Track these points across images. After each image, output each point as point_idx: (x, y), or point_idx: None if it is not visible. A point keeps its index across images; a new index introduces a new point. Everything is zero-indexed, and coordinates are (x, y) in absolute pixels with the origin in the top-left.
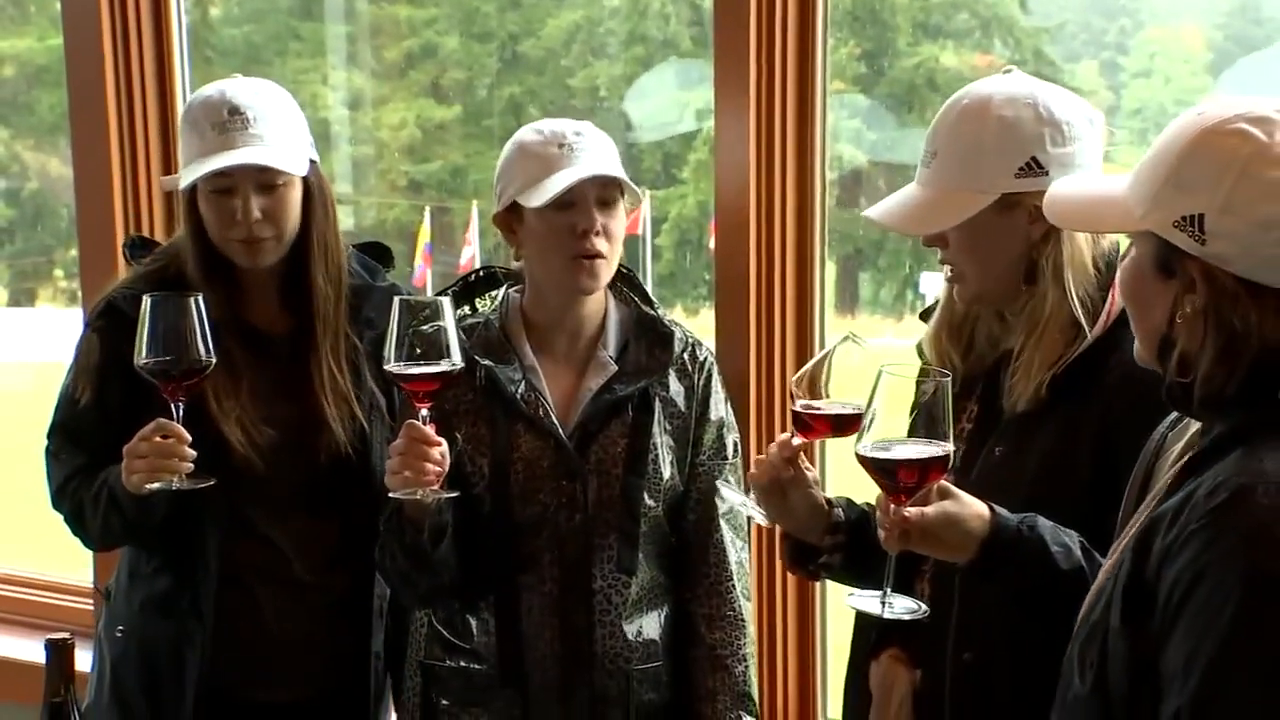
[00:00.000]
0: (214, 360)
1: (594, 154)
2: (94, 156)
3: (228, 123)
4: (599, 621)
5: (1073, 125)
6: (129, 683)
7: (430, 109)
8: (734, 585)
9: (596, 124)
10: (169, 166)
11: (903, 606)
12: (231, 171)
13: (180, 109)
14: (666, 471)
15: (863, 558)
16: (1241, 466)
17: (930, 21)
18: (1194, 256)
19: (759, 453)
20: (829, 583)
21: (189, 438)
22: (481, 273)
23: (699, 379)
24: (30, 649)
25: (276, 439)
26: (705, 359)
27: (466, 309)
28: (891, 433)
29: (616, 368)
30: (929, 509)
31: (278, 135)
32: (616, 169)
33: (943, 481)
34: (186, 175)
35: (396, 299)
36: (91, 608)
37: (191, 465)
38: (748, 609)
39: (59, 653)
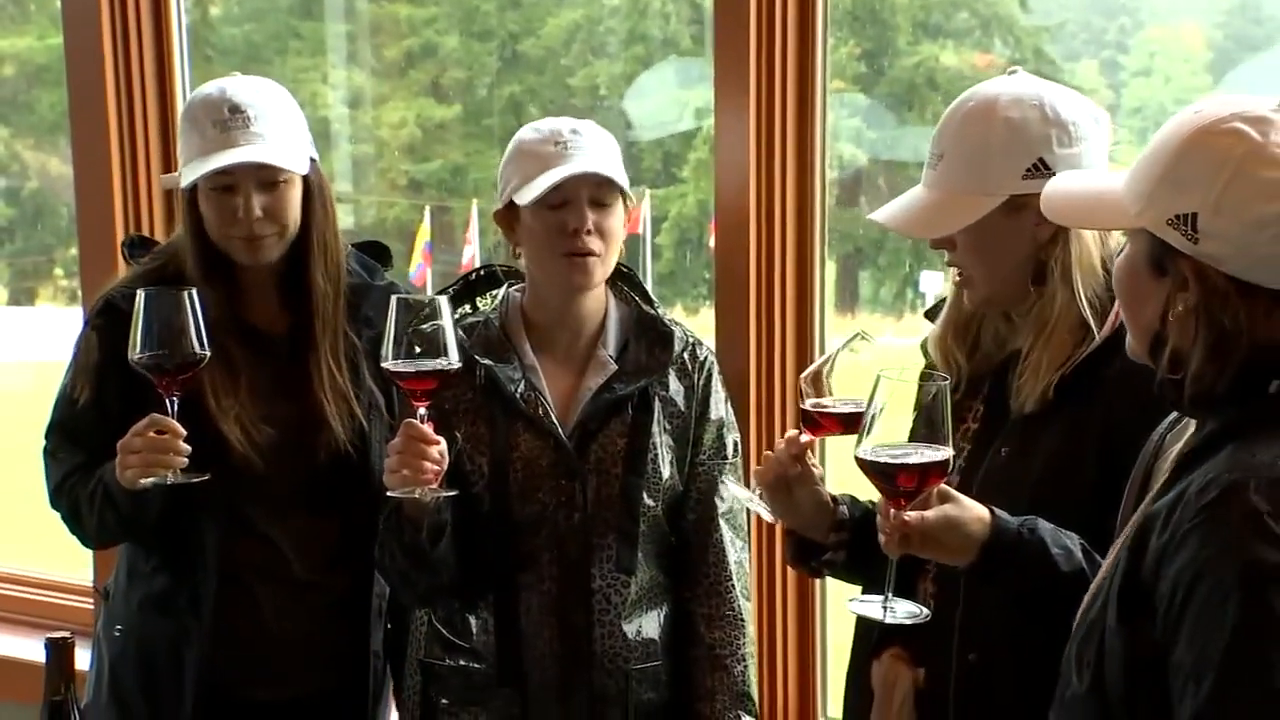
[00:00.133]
0: (208, 354)
1: (589, 153)
2: (94, 155)
3: (229, 121)
4: (598, 621)
5: (1079, 125)
6: (127, 682)
7: (430, 108)
8: (733, 585)
9: (597, 123)
10: (169, 165)
11: (904, 611)
12: (233, 170)
13: (180, 108)
14: (666, 471)
15: (866, 555)
16: (1234, 462)
17: (930, 21)
18: (1186, 255)
19: (758, 452)
20: (829, 583)
21: (183, 432)
22: (483, 271)
23: (699, 378)
24: (30, 648)
25: (276, 438)
26: (706, 358)
27: (468, 308)
28: (896, 435)
29: (616, 367)
30: (929, 513)
31: (279, 133)
32: (610, 168)
33: (943, 485)
34: (188, 174)
35: (394, 297)
36: (92, 607)
37: (186, 460)
38: (747, 609)
39: (59, 652)
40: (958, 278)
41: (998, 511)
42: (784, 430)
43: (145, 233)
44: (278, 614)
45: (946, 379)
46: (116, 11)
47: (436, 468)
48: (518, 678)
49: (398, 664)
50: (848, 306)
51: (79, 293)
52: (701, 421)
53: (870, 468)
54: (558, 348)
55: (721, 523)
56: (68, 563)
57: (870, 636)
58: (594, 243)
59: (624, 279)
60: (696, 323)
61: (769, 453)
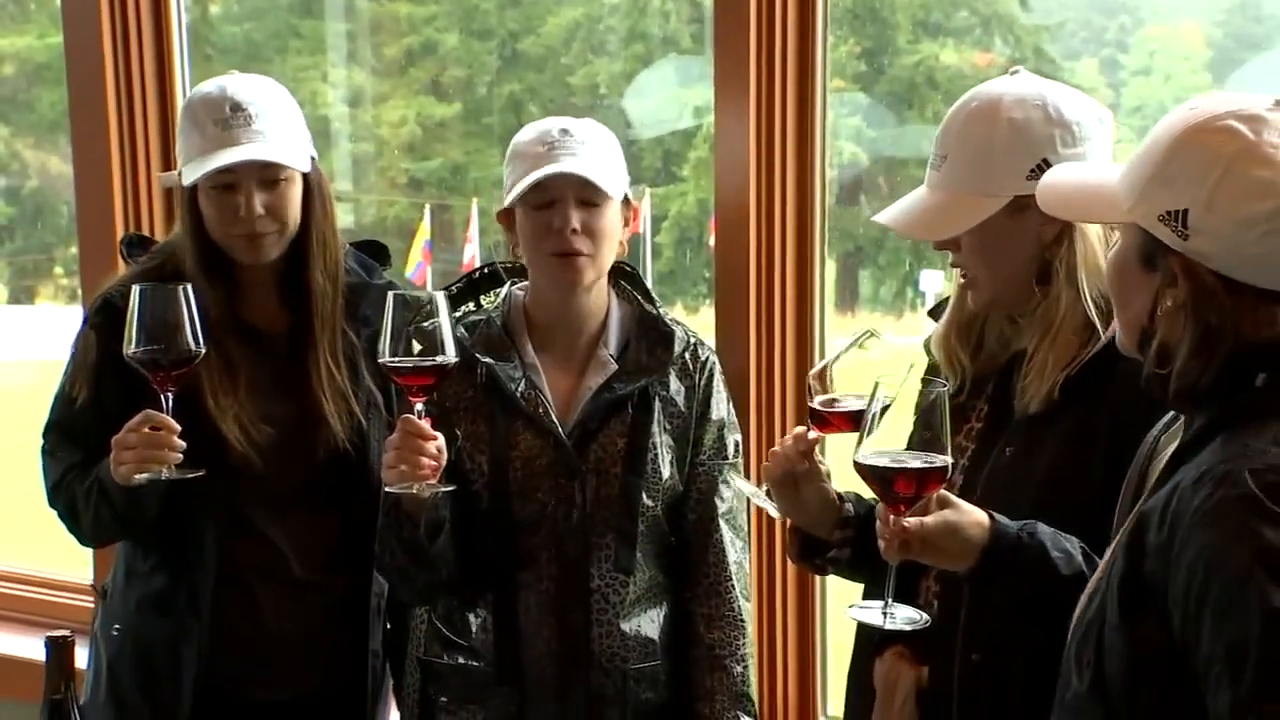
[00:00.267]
0: (204, 350)
1: (578, 153)
2: (94, 154)
3: (230, 119)
4: (596, 620)
5: (1083, 125)
6: (125, 681)
7: (430, 106)
8: (733, 585)
9: (597, 121)
10: (169, 164)
11: (904, 617)
12: (235, 168)
13: (180, 106)
14: (665, 471)
15: (870, 553)
16: (1226, 452)
17: (930, 19)
18: (1176, 251)
19: (758, 451)
20: (829, 583)
21: (178, 428)
22: (486, 270)
23: (700, 379)
24: (30, 646)
25: (275, 437)
26: (707, 359)
27: (471, 305)
28: (899, 437)
29: (616, 366)
30: (929, 519)
31: (279, 131)
32: (596, 169)
33: (942, 490)
34: (189, 172)
35: (391, 294)
36: (92, 605)
37: (180, 456)
38: (747, 609)
39: (59, 650)
40: (962, 279)
41: (997, 516)
42: (784, 429)
43: (145, 231)
44: (277, 613)
45: (945, 385)
46: (116, 10)
47: (434, 463)
48: (516, 676)
49: (397, 662)
50: (848, 305)
51: (79, 291)
52: (702, 422)
53: (869, 473)
54: (558, 346)
55: (721, 523)
56: (68, 561)
57: (872, 635)
58: (581, 243)
59: (627, 278)
60: (696, 321)
61: (776, 449)
